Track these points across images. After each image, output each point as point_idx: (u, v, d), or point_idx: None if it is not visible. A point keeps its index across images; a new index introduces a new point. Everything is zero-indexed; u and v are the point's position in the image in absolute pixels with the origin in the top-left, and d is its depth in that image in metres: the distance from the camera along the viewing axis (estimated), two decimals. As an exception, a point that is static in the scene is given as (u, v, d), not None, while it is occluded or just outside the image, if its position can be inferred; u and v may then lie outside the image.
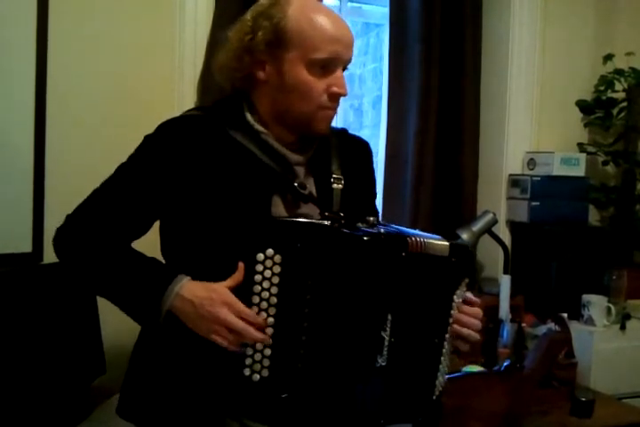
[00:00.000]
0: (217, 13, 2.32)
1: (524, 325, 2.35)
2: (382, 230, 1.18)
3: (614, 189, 2.95)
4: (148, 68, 2.28)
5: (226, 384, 1.16)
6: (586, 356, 2.37)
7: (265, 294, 1.13)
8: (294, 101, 1.26)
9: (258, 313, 1.13)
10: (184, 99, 2.29)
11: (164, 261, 1.30)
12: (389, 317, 1.16)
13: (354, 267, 1.14)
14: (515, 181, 2.81)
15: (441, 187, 2.78)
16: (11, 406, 1.78)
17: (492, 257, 2.74)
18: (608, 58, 2.85)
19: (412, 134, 2.70)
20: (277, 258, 1.12)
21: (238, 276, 1.14)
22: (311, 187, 1.32)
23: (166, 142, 1.27)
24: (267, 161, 1.28)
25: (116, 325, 1.60)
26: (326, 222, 1.17)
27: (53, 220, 1.34)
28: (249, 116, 1.30)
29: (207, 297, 1.14)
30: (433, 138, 2.73)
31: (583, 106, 2.93)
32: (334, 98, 1.28)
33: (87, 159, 2.16)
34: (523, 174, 2.81)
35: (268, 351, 1.13)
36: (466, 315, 1.29)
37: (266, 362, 1.13)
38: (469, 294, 1.32)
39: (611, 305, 2.49)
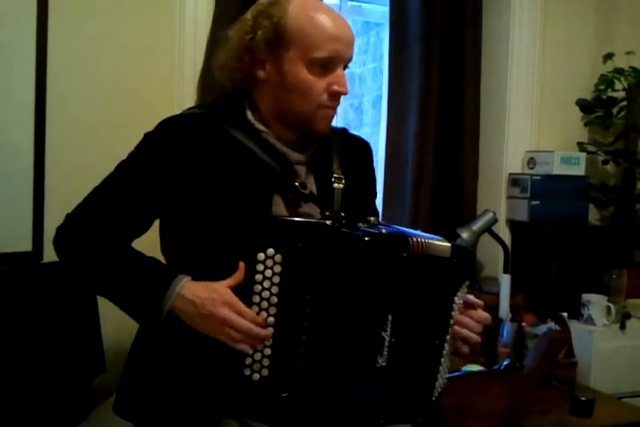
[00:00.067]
0: (217, 13, 2.33)
1: (523, 324, 2.35)
2: (383, 231, 1.18)
3: (614, 189, 2.95)
4: (148, 68, 2.28)
5: (226, 384, 1.16)
6: (586, 355, 2.37)
7: (265, 294, 1.13)
8: (294, 100, 1.26)
9: (258, 313, 1.13)
10: (184, 98, 2.29)
11: (164, 261, 1.30)
12: (390, 317, 1.16)
13: (354, 267, 1.14)
14: (515, 181, 2.81)
15: (441, 186, 2.78)
16: (11, 406, 1.78)
17: (491, 256, 2.74)
18: (608, 57, 2.85)
19: (412, 134, 2.70)
20: (278, 257, 1.12)
21: (239, 275, 1.14)
22: (312, 186, 1.32)
23: (166, 140, 1.27)
24: (267, 160, 1.28)
25: (116, 324, 1.61)
26: (327, 222, 1.17)
27: (53, 219, 1.34)
28: (250, 115, 1.30)
29: (208, 297, 1.14)
30: (433, 138, 2.73)
31: (583, 105, 2.93)
32: (335, 97, 1.28)
33: (87, 159, 2.17)
34: (523, 173, 2.81)
35: (268, 351, 1.13)
36: (468, 317, 1.29)
37: (266, 362, 1.13)
38: (472, 297, 1.32)
39: (611, 304, 2.49)
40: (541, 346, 1.95)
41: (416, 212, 2.71)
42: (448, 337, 1.28)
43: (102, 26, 2.21)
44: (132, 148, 1.31)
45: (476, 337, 1.29)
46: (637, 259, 2.91)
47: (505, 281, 2.37)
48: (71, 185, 2.07)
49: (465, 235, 2.32)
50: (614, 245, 2.77)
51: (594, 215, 2.95)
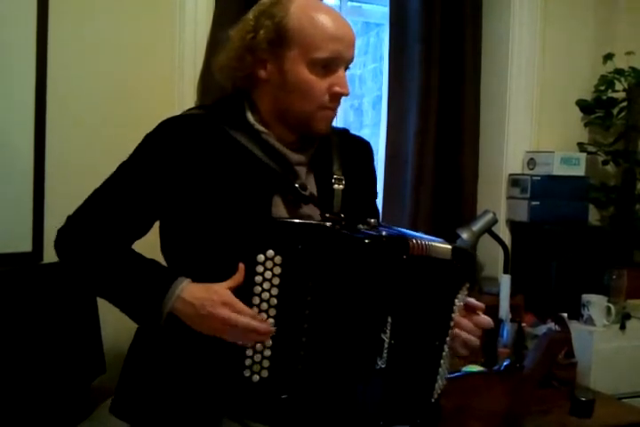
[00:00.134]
0: (217, 13, 2.32)
1: (523, 324, 2.35)
2: (383, 233, 1.18)
3: (614, 189, 2.95)
4: (148, 68, 2.28)
5: (226, 385, 1.16)
6: (586, 356, 2.37)
7: (265, 295, 1.13)
8: (295, 101, 1.26)
9: (258, 314, 1.12)
10: (184, 99, 2.29)
11: (164, 262, 1.30)
12: (389, 319, 1.16)
13: (354, 269, 1.14)
14: (515, 181, 2.81)
15: (441, 187, 2.78)
16: (11, 406, 1.78)
17: (492, 257, 2.74)
18: (608, 57, 2.85)
19: (412, 134, 2.70)
20: (278, 259, 1.12)
21: (239, 277, 1.14)
22: (312, 187, 1.32)
23: (166, 141, 1.27)
24: (267, 161, 1.28)
25: (116, 324, 1.60)
26: (327, 224, 1.17)
27: (53, 219, 1.34)
28: (250, 116, 1.30)
29: (208, 298, 1.14)
30: (433, 138, 2.73)
31: (583, 105, 2.93)
32: (336, 98, 1.28)
33: (87, 159, 2.16)
34: (523, 174, 2.81)
35: (267, 352, 1.13)
36: (468, 321, 1.29)
37: (266, 363, 1.13)
38: (473, 300, 1.32)
39: (610, 305, 2.48)
40: (541, 346, 1.95)
41: (416, 212, 2.71)
42: (448, 339, 1.28)
43: (102, 26, 2.21)
44: (132, 148, 1.31)
45: (475, 341, 1.29)
46: (637, 259, 2.90)
47: (505, 281, 2.37)
48: (71, 185, 2.08)
49: (465, 235, 2.32)
50: (614, 245, 2.77)
51: (594, 216, 2.95)
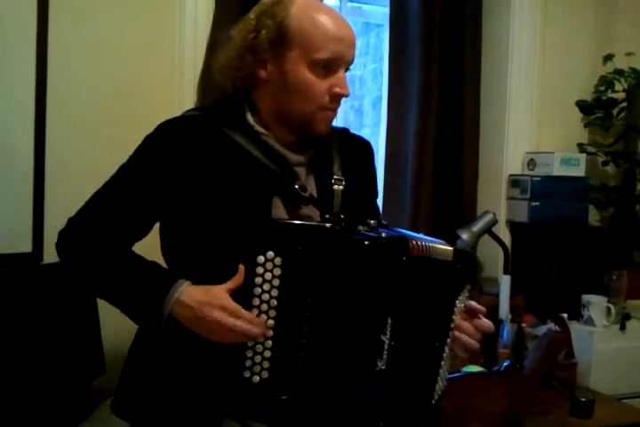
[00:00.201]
0: (217, 13, 2.32)
1: (523, 325, 2.35)
2: (383, 234, 1.17)
3: (614, 190, 2.95)
4: (148, 68, 2.28)
5: (226, 385, 1.16)
6: (586, 356, 2.37)
7: (265, 297, 1.13)
8: (295, 101, 1.26)
9: (258, 315, 1.13)
10: (184, 99, 2.29)
11: (164, 263, 1.30)
12: (390, 320, 1.16)
13: (354, 271, 1.14)
14: (515, 182, 2.81)
15: (441, 187, 2.78)
16: (11, 406, 1.78)
17: (491, 257, 2.73)
18: (608, 58, 2.84)
19: (412, 134, 2.70)
20: (278, 260, 1.12)
21: (239, 278, 1.14)
22: (312, 188, 1.32)
23: (165, 143, 1.27)
24: (267, 162, 1.28)
25: (116, 325, 1.60)
26: (327, 225, 1.17)
27: (53, 220, 1.35)
28: (249, 117, 1.30)
29: (206, 302, 1.14)
30: (433, 138, 2.73)
31: (583, 106, 2.93)
32: (336, 98, 1.28)
33: (87, 159, 2.16)
34: (523, 175, 2.81)
35: (267, 353, 1.13)
36: (469, 324, 1.29)
37: (266, 364, 1.13)
38: (474, 304, 1.31)
39: (610, 305, 2.48)
40: (541, 347, 1.95)
41: (416, 212, 2.71)
42: (448, 340, 1.27)
43: (102, 26, 2.21)
44: (132, 148, 1.31)
45: (475, 344, 1.29)
46: (637, 260, 2.90)
47: (505, 282, 2.37)
48: (71, 185, 2.08)
49: (465, 236, 2.31)
50: (614, 246, 2.77)
51: (594, 216, 2.95)
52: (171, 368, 1.25)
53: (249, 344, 1.13)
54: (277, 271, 1.12)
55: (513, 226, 2.82)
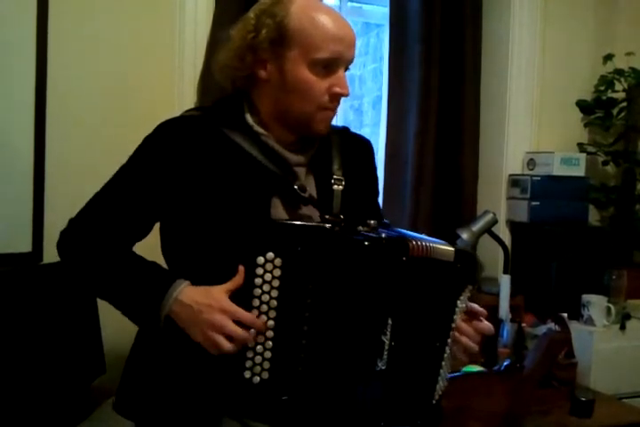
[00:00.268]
0: (217, 13, 2.33)
1: (523, 325, 2.35)
2: (383, 234, 1.17)
3: (614, 189, 2.95)
4: (148, 68, 2.28)
5: (226, 386, 1.16)
6: (586, 356, 2.37)
7: (265, 298, 1.13)
8: (295, 101, 1.26)
9: (258, 316, 1.13)
10: (184, 99, 2.29)
11: (164, 263, 1.30)
12: (390, 321, 1.16)
13: (354, 271, 1.13)
14: (515, 181, 2.81)
15: (441, 187, 2.78)
16: (11, 406, 1.78)
17: (491, 257, 2.73)
18: (608, 58, 2.85)
19: (412, 135, 2.70)
20: (278, 261, 1.12)
21: (238, 279, 1.14)
22: (311, 188, 1.32)
23: (165, 143, 1.26)
24: (266, 163, 1.28)
25: (116, 325, 1.60)
26: (327, 225, 1.17)
27: (53, 220, 1.35)
28: (249, 117, 1.30)
29: (206, 303, 1.14)
30: (433, 138, 2.73)
31: (583, 106, 2.93)
32: (335, 98, 1.27)
33: (87, 159, 2.17)
34: (523, 174, 2.81)
35: (268, 354, 1.13)
36: (469, 326, 1.29)
37: (266, 365, 1.13)
38: (475, 306, 1.31)
39: (610, 305, 2.49)
40: (541, 347, 1.95)
41: (416, 212, 2.71)
42: (449, 341, 1.27)
43: (102, 26, 2.21)
44: (132, 148, 1.31)
45: (474, 347, 1.29)
46: (637, 259, 2.91)
47: (505, 282, 2.37)
48: (71, 185, 2.08)
49: (465, 236, 2.31)
50: (614, 245, 2.77)
51: (594, 216, 2.95)
52: (171, 369, 1.25)
53: (249, 345, 1.13)
54: (277, 272, 1.12)
55: (513, 226, 2.82)
